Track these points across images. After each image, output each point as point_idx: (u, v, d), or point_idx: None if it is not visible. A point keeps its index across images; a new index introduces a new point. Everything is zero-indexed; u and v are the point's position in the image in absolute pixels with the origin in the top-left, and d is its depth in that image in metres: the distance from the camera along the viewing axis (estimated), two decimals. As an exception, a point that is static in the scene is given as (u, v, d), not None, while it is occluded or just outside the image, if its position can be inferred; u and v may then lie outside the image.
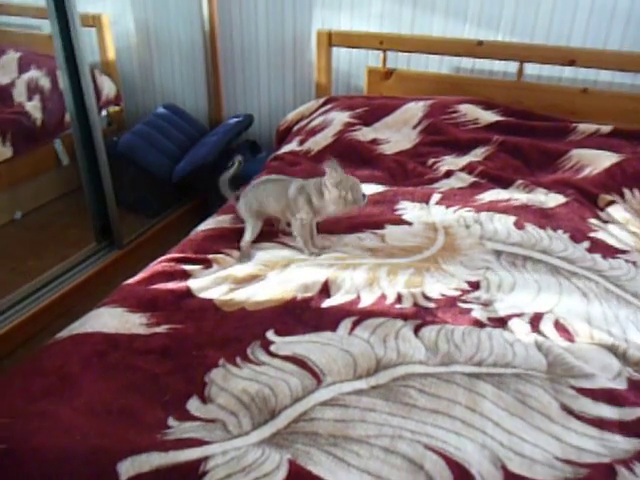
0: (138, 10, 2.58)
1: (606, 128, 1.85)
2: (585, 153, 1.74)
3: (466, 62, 2.16)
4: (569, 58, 1.91)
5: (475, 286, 1.20)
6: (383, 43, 2.10)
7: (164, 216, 2.38)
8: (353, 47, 2.21)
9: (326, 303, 1.13)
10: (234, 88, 2.57)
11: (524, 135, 1.88)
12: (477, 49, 2.00)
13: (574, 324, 1.06)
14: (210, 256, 1.30)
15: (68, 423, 0.81)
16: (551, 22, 2.00)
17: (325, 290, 1.17)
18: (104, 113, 2.64)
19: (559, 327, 1.06)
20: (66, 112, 2.13)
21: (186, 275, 1.23)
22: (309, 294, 1.15)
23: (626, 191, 1.63)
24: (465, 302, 1.14)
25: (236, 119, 2.43)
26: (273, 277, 1.24)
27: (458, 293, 1.17)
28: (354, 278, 1.21)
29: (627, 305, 1.14)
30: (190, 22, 2.50)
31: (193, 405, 0.87)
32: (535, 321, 1.08)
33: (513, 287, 1.19)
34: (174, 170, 2.33)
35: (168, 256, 1.30)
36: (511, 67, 2.06)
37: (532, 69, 2.07)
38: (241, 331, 1.04)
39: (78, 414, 0.83)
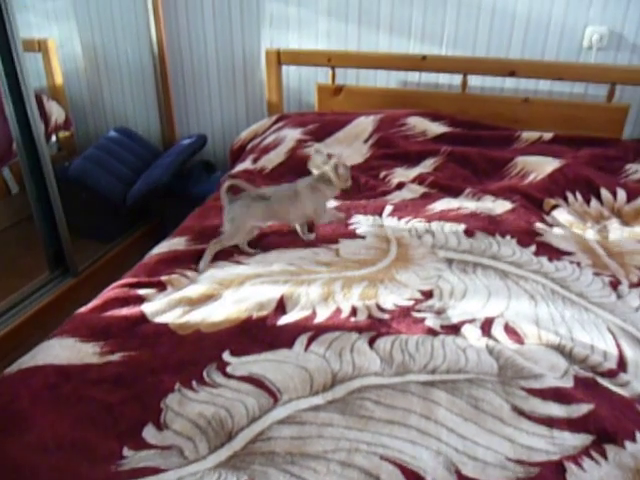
0: (85, 34, 2.55)
1: (548, 135, 1.93)
2: (529, 160, 1.80)
3: (412, 76, 2.22)
4: (509, 69, 1.99)
5: (428, 295, 1.22)
6: (331, 60, 2.14)
7: (120, 241, 2.34)
8: (302, 65, 2.25)
9: (282, 320, 1.14)
10: (186, 109, 2.56)
11: (471, 145, 1.94)
12: (422, 63, 2.06)
13: (523, 326, 1.10)
14: (164, 278, 1.29)
15: (17, 461, 0.79)
16: (490, 36, 2.08)
17: (281, 307, 1.18)
18: (54, 139, 2.59)
19: (509, 330, 1.10)
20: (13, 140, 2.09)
21: (140, 300, 1.21)
22: (265, 312, 1.15)
23: (569, 194, 1.70)
24: (419, 311, 1.16)
25: (189, 140, 2.43)
26: (228, 296, 1.23)
27: (412, 303, 1.19)
28: (309, 293, 1.22)
29: (572, 305, 1.19)
30: (139, 44, 2.49)
31: (149, 433, 0.86)
32: (486, 326, 1.11)
33: (465, 294, 1.22)
34: (128, 193, 2.31)
35: (121, 281, 1.28)
36: (455, 79, 2.13)
37: (475, 81, 2.14)
38: (197, 354, 1.03)
39: (28, 451, 0.81)
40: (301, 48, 2.27)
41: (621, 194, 1.67)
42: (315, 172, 1.46)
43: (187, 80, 2.49)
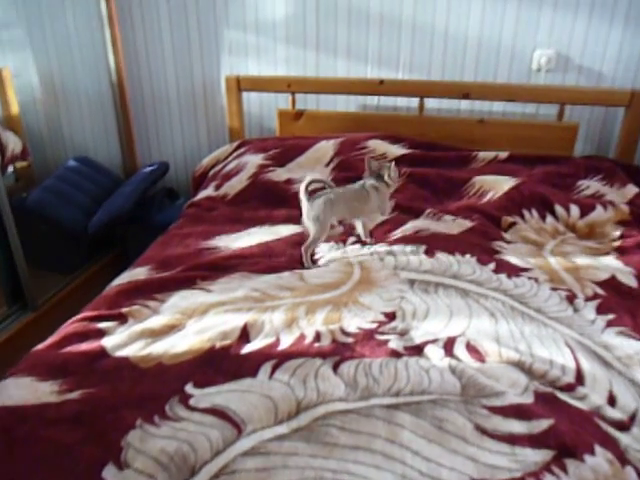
0: (41, 63, 2.53)
1: (503, 154, 1.99)
2: (486, 179, 1.85)
3: (371, 99, 2.26)
4: (463, 92, 2.05)
5: (391, 317, 1.23)
6: (291, 86, 2.17)
7: (81, 272, 2.29)
8: (262, 91, 2.27)
9: (246, 349, 1.13)
10: (147, 136, 2.55)
11: (430, 166, 1.98)
12: (379, 88, 2.11)
13: (484, 345, 1.12)
14: (125, 310, 1.27)
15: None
16: (445, 60, 2.14)
17: (244, 335, 1.17)
18: (10, 169, 2.53)
19: (471, 349, 1.11)
20: (-33, 172, 2.04)
21: (100, 333, 1.19)
22: (228, 341, 1.14)
23: (525, 212, 1.74)
24: (382, 334, 1.17)
25: (151, 167, 2.41)
26: (191, 326, 1.22)
27: (375, 325, 1.20)
28: (273, 320, 1.21)
29: (531, 321, 1.22)
30: (97, 73, 2.48)
31: (109, 473, 0.83)
32: (449, 345, 1.13)
33: (427, 314, 1.24)
34: (89, 223, 2.27)
35: (80, 315, 1.26)
36: (413, 102, 2.18)
37: (432, 103, 2.20)
38: (159, 388, 1.01)
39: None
40: (261, 74, 2.29)
41: (574, 210, 1.73)
42: (368, 177, 1.60)
43: (147, 108, 2.49)
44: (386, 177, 1.58)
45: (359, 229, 1.62)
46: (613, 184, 1.88)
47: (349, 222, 1.67)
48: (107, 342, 1.15)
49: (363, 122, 2.18)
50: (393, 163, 1.59)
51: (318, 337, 1.15)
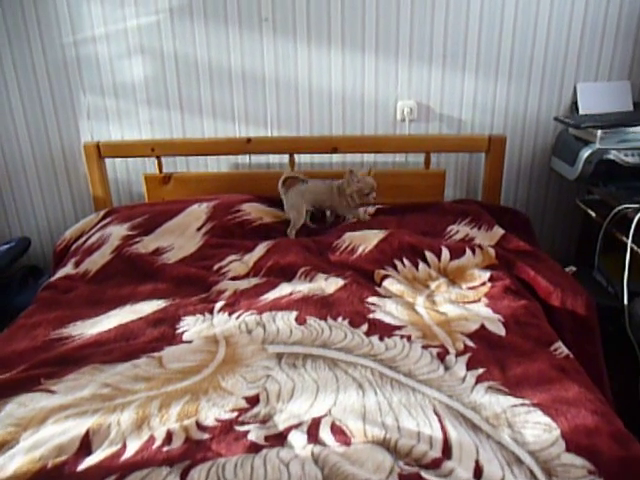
0: None
1: (371, 209, 2.00)
2: (355, 234, 1.83)
3: (243, 158, 2.21)
4: (332, 146, 2.05)
5: (254, 401, 1.13)
6: (155, 150, 2.07)
7: None
8: (125, 157, 2.15)
9: (84, 463, 0.98)
10: (4, 211, 2.33)
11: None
12: (247, 146, 2.06)
13: (350, 424, 1.04)
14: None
15: None
16: (312, 115, 2.14)
17: (85, 446, 1.02)
18: None
19: (336, 430, 1.03)
20: None
21: None
22: (64, 457, 0.99)
23: (397, 262, 1.73)
24: (242, 424, 1.07)
25: (8, 245, 2.19)
26: (25, 440, 1.05)
27: (235, 415, 1.09)
28: (121, 422, 1.07)
29: (400, 388, 1.16)
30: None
31: None
32: (313, 428, 1.04)
33: (292, 393, 1.15)
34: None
35: None
36: (286, 158, 2.15)
37: (305, 157, 2.18)
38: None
39: None
40: (124, 139, 2.17)
41: (445, 254, 1.73)
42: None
43: (1, 180, 2.28)
44: (347, 190, 1.92)
45: (327, 215, 2.05)
46: (481, 226, 1.92)
47: (322, 209, 2.03)
48: None
49: (235, 182, 2.12)
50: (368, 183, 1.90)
51: (169, 438, 1.03)
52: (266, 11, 2.01)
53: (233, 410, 1.10)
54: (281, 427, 1.05)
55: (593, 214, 1.88)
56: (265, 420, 1.08)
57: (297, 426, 1.05)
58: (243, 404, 1.12)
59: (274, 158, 2.19)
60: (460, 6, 2.00)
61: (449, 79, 2.09)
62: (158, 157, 2.09)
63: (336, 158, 2.19)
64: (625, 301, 1.65)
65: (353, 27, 2.02)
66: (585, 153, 1.82)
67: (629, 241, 1.61)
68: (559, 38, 2.04)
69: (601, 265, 1.95)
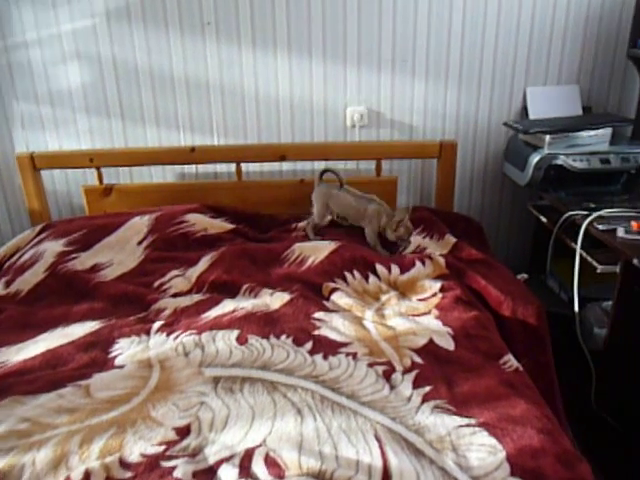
0: None
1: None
2: (305, 245, 1.77)
3: (190, 167, 2.13)
4: (279, 154, 1.98)
5: (185, 432, 1.05)
6: (94, 160, 1.96)
7: None
8: (61, 168, 2.04)
9: (-9, 512, 0.89)
10: None
11: (253, 239, 1.88)
12: (191, 155, 1.98)
13: (284, 455, 0.97)
14: None
15: None
16: (259, 122, 2.07)
17: (-8, 492, 0.93)
18: None
19: (270, 463, 0.96)
20: None
21: None
22: (-32, 505, 0.90)
23: (347, 275, 1.67)
24: (170, 458, 0.99)
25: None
26: None
27: (162, 449, 1.01)
28: (37, 462, 0.98)
29: (341, 412, 1.10)
30: None
31: None
32: (246, 461, 0.97)
33: (227, 422, 1.07)
34: None
35: None
36: (233, 167, 2.07)
37: (254, 166, 2.11)
38: None
39: None
40: (62, 149, 2.06)
41: (395, 267, 1.69)
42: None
43: None
44: (389, 233, 1.77)
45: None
46: (433, 235, 1.88)
47: (348, 223, 1.89)
48: None
49: (181, 192, 2.03)
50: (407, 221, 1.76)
51: (87, 479, 0.94)
52: (208, 15, 1.93)
53: (161, 443, 1.02)
54: (211, 461, 0.98)
55: (544, 220, 1.86)
56: (195, 453, 1.00)
57: (229, 459, 0.98)
58: (172, 436, 1.04)
59: (221, 167, 2.11)
60: (407, 11, 1.96)
61: (399, 84, 2.05)
62: (98, 168, 1.98)
63: (287, 166, 2.13)
64: (576, 308, 1.63)
65: (299, 32, 1.96)
66: (534, 159, 1.80)
67: (577, 247, 1.59)
68: (507, 43, 2.02)
69: (554, 271, 1.93)
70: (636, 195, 1.78)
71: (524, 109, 2.10)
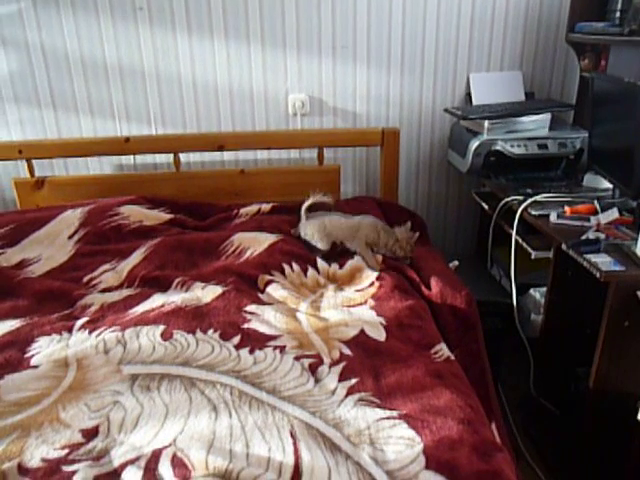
0: None
1: (267, 206, 1.89)
2: (245, 236, 1.72)
3: (128, 159, 2.05)
4: (218, 143, 1.92)
5: (92, 434, 1.00)
6: (22, 152, 1.88)
7: None
8: (-12, 160, 1.95)
9: None
10: None
11: (192, 229, 1.83)
12: (126, 146, 1.91)
13: (192, 455, 0.93)
14: None
15: None
16: (198, 111, 2.01)
17: None
18: None
19: (177, 463, 0.92)
20: None
21: None
22: None
23: (286, 267, 1.63)
24: (72, 462, 0.93)
25: None
26: None
27: (65, 452, 0.96)
28: None
29: (259, 408, 1.06)
30: None
31: None
32: (152, 462, 0.92)
33: (138, 421, 1.03)
34: None
35: None
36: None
37: (194, 157, 2.05)
38: None
39: None
40: (-10, 140, 1.98)
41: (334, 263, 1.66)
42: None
43: None
44: (397, 250, 1.66)
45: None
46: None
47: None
48: None
49: (119, 185, 1.96)
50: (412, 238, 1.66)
51: (-20, 487, 0.89)
52: (140, -1, 1.86)
53: (64, 447, 0.97)
54: (116, 463, 0.93)
55: (486, 206, 1.85)
56: (100, 456, 0.95)
57: (134, 461, 0.93)
58: (78, 438, 0.99)
59: (161, 158, 2.04)
60: (347, -4, 1.92)
61: (340, 71, 2.01)
62: (28, 160, 1.90)
63: (228, 156, 2.07)
64: (514, 295, 1.62)
65: (236, 17, 1.90)
66: (474, 144, 1.79)
67: (513, 233, 1.57)
68: (449, 29, 2.00)
69: (497, 259, 1.92)
70: (574, 180, 1.78)
71: (468, 95, 2.08)
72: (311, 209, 1.77)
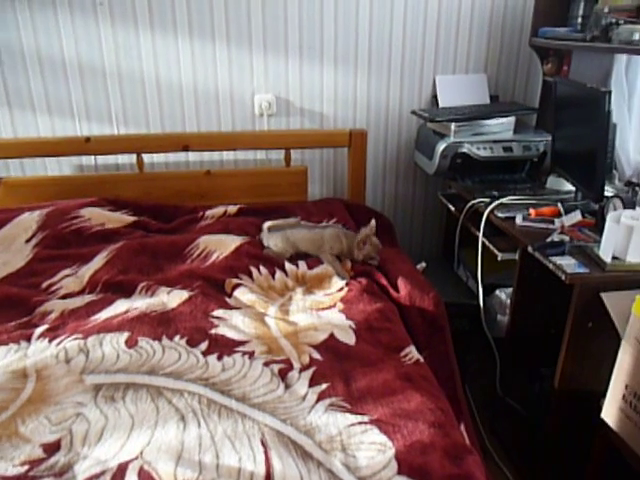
0: None
1: (233, 208, 1.86)
2: (211, 239, 1.69)
3: (89, 159, 1.99)
4: (182, 144, 1.89)
5: (55, 448, 0.96)
6: (-27, 152, 1.80)
7: None
8: (-62, 160, 1.86)
9: None
10: None
11: (156, 232, 1.78)
12: (86, 146, 1.85)
13: (159, 468, 0.90)
14: None
15: None
16: (162, 111, 1.96)
17: None
18: None
19: (144, 476, 0.89)
20: None
21: None
22: None
23: (253, 270, 1.61)
24: (34, 479, 0.90)
25: None
26: None
27: (25, 469, 0.92)
28: None
29: (229, 416, 1.04)
30: None
31: None
32: (118, 476, 0.89)
33: (102, 434, 0.99)
34: None
35: None
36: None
37: (159, 157, 2.00)
38: None
39: None
40: (-59, 140, 1.88)
41: (302, 264, 1.64)
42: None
43: None
44: (356, 253, 1.65)
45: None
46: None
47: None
48: None
49: (79, 186, 1.89)
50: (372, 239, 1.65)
51: None
52: (100, -6, 1.80)
53: (24, 463, 0.93)
54: (80, 478, 0.90)
55: (452, 208, 1.86)
56: (63, 471, 0.92)
57: (99, 475, 0.90)
58: (39, 454, 0.95)
59: (123, 158, 1.98)
60: (314, -4, 1.91)
61: (307, 72, 1.99)
62: (-20, 160, 1.82)
63: (194, 157, 2.03)
64: (480, 296, 1.64)
65: (201, 14, 1.86)
66: (440, 147, 1.80)
67: (480, 235, 1.59)
68: (415, 31, 2.01)
69: (464, 260, 1.94)
70: (538, 183, 1.81)
71: (434, 97, 2.09)
72: (273, 228, 1.76)
